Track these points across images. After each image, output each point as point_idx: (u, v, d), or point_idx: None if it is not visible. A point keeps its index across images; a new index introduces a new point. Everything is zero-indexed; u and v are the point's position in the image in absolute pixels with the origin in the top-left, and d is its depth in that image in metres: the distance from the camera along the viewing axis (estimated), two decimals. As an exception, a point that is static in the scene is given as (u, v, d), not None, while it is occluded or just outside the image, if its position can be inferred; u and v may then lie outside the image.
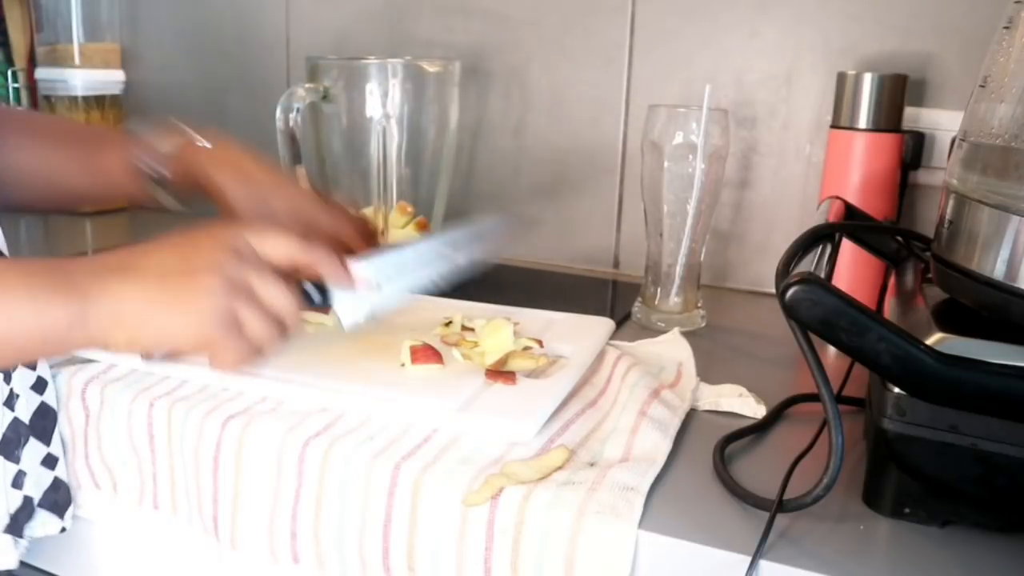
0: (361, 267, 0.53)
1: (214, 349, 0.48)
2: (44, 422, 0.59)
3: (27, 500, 0.57)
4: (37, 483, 0.58)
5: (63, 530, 0.60)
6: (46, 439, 0.59)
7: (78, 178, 0.70)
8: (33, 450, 0.58)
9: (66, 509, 0.60)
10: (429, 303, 0.78)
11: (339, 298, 0.53)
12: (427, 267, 0.58)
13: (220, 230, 0.49)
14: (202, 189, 0.68)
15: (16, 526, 0.57)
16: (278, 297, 0.48)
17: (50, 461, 0.59)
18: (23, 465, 0.57)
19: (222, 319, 0.46)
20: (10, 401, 0.56)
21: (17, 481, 0.57)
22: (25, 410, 0.57)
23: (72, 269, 0.47)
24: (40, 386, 0.59)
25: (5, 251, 0.58)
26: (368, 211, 0.90)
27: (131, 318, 0.46)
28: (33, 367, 0.58)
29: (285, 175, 0.71)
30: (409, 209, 0.93)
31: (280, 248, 0.50)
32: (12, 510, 0.56)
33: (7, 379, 0.56)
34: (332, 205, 0.70)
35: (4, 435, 0.56)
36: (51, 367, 0.61)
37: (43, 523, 0.59)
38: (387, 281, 0.55)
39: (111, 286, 0.46)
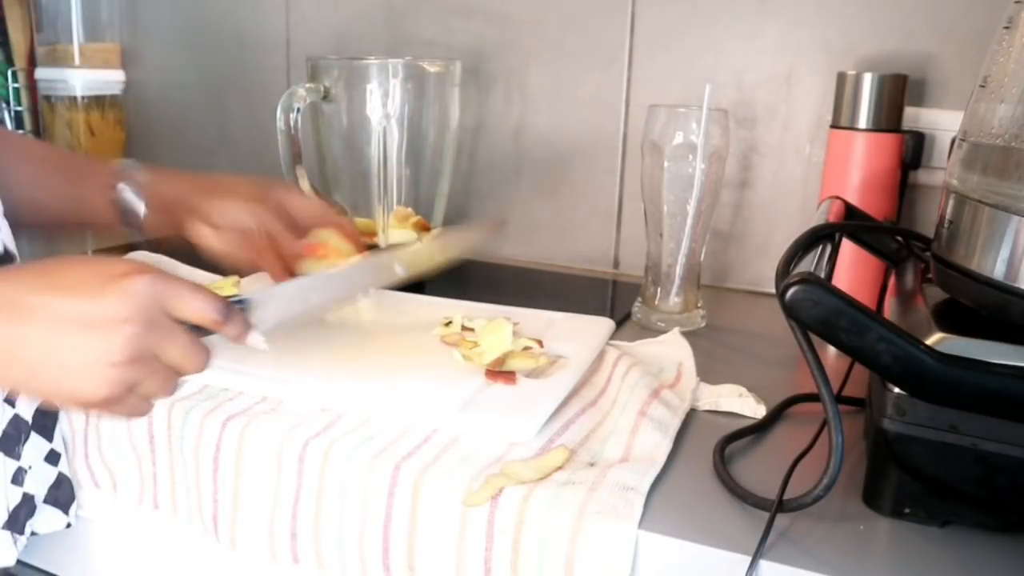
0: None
1: (103, 409, 0.44)
2: (46, 419, 0.59)
3: (28, 497, 0.57)
4: (40, 480, 0.58)
5: (68, 526, 0.60)
6: (48, 435, 0.59)
7: (62, 203, 0.71)
8: (35, 446, 0.58)
9: (70, 505, 0.60)
10: (429, 303, 0.78)
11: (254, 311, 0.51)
12: (362, 279, 0.61)
13: (127, 280, 0.43)
14: (177, 224, 0.68)
15: (16, 522, 0.57)
16: (181, 358, 0.45)
17: (53, 457, 0.59)
18: (24, 461, 0.57)
19: (119, 385, 0.43)
20: (11, 397, 0.56)
21: (17, 478, 0.57)
22: (27, 406, 0.57)
23: None
24: None
25: (13, 249, 0.58)
26: (367, 221, 0.90)
27: (22, 363, 0.42)
28: None
29: (270, 188, 0.70)
30: (409, 211, 0.93)
31: (191, 308, 0.45)
32: (11, 506, 0.56)
33: None
34: (320, 211, 0.71)
35: (4, 431, 0.56)
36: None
37: (48, 519, 0.59)
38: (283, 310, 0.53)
39: (3, 326, 0.42)
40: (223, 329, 0.47)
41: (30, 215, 0.68)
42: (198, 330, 0.46)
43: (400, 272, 0.61)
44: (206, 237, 0.67)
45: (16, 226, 0.67)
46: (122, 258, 0.46)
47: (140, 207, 0.69)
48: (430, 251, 0.64)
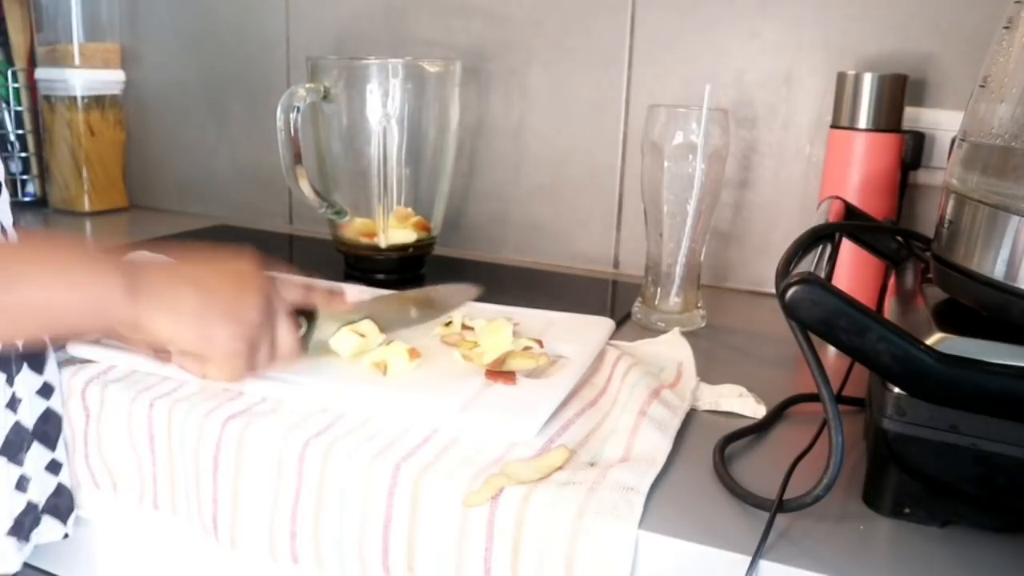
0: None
1: (229, 360, 0.54)
2: (47, 427, 0.59)
3: (31, 505, 0.57)
4: (41, 488, 0.58)
5: (65, 536, 0.60)
6: (50, 444, 0.59)
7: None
8: (37, 455, 0.58)
9: (68, 515, 0.60)
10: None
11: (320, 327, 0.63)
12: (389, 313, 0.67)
13: (256, 273, 0.56)
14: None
15: (21, 529, 0.57)
16: (287, 338, 0.57)
17: (54, 467, 0.59)
18: (26, 469, 0.57)
19: (247, 340, 0.54)
20: (12, 404, 0.56)
21: (21, 484, 0.57)
22: (28, 415, 0.57)
23: (123, 260, 0.53)
24: (46, 391, 0.59)
25: (9, 227, 0.58)
26: (367, 221, 0.90)
27: (178, 310, 0.52)
28: (40, 371, 0.58)
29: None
30: (409, 211, 0.93)
31: (292, 295, 0.60)
32: (16, 513, 0.56)
33: (10, 382, 0.56)
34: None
35: (6, 438, 0.55)
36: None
37: (48, 528, 0.59)
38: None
39: (165, 280, 0.53)
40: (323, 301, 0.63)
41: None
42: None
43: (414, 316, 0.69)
44: None
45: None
46: (244, 257, 0.57)
47: None
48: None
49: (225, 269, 0.56)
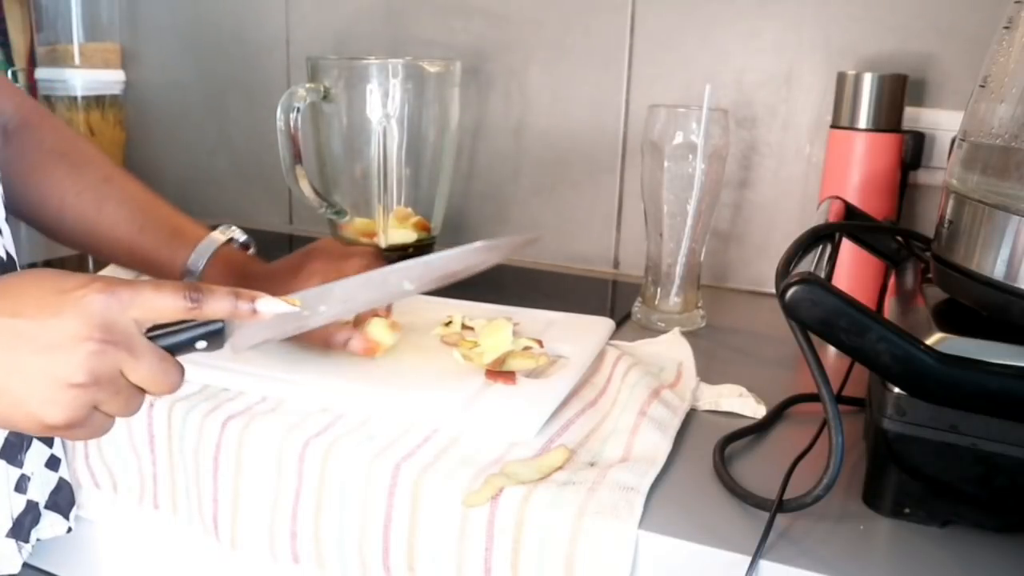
0: (271, 302, 0.45)
1: (66, 433, 0.42)
2: None
3: (31, 504, 0.57)
4: (41, 486, 0.58)
5: (69, 530, 0.60)
6: (48, 441, 0.59)
7: (136, 253, 0.67)
8: (36, 453, 0.58)
9: (70, 509, 0.60)
10: (429, 303, 0.78)
11: (236, 330, 0.47)
12: (363, 294, 0.52)
13: (83, 294, 0.40)
14: None
15: (20, 530, 0.56)
16: (148, 376, 0.42)
17: (53, 463, 0.59)
18: (26, 469, 0.57)
19: (81, 407, 0.41)
20: None
21: (20, 485, 0.56)
22: None
23: None
24: None
25: (14, 253, 0.58)
26: (367, 221, 0.90)
27: None
28: None
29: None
30: (409, 211, 0.93)
31: (159, 308, 0.42)
32: (15, 514, 0.56)
33: None
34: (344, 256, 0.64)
35: (7, 439, 0.55)
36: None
37: (50, 524, 0.59)
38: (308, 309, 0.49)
39: None
40: (205, 311, 0.42)
41: (96, 245, 0.67)
42: (189, 345, 0.44)
43: (408, 287, 0.53)
44: None
45: (72, 245, 0.67)
46: (78, 274, 0.42)
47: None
48: (444, 263, 0.53)
49: (32, 295, 0.40)
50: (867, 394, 0.56)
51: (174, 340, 0.43)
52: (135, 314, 0.41)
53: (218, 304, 0.43)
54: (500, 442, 0.53)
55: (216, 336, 0.45)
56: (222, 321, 0.44)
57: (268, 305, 0.44)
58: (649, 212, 0.80)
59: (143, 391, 0.43)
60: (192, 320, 0.43)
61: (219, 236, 0.66)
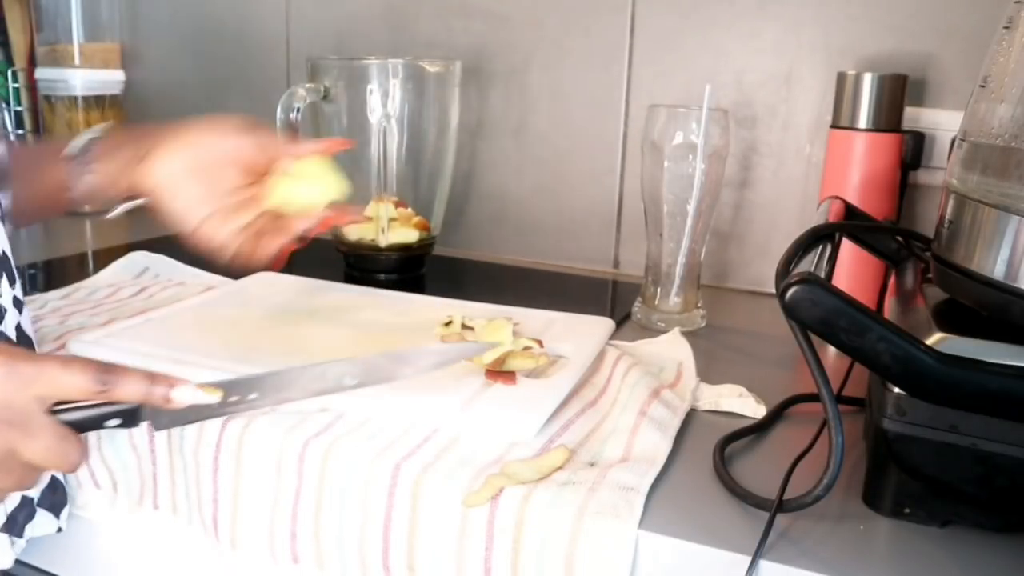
0: (187, 391, 0.43)
1: None
2: None
3: (26, 500, 0.57)
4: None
5: (59, 530, 0.60)
6: None
7: (32, 201, 0.65)
8: None
9: (62, 509, 0.60)
10: (429, 303, 0.78)
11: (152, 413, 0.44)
12: (299, 385, 0.48)
13: None
14: (139, 174, 0.59)
15: (14, 526, 0.57)
16: (44, 457, 0.41)
17: None
18: None
19: None
20: None
21: None
22: None
23: None
24: None
25: (9, 253, 0.58)
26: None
27: None
28: None
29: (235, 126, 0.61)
30: (409, 212, 0.93)
31: (65, 387, 0.40)
32: (9, 509, 0.56)
33: None
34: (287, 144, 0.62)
35: None
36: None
37: (41, 523, 0.59)
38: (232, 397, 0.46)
39: None
40: (115, 394, 0.41)
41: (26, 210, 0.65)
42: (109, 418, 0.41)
43: (349, 383, 0.48)
44: (161, 190, 0.56)
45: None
46: None
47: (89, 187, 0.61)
48: (390, 363, 0.49)
49: None
50: (867, 394, 0.56)
51: (82, 416, 0.41)
52: (37, 391, 0.40)
53: (130, 388, 0.41)
54: (500, 442, 0.53)
55: (131, 415, 0.42)
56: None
57: (184, 394, 0.42)
58: (649, 212, 0.80)
59: (39, 469, 0.41)
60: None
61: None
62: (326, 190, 0.61)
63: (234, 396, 0.45)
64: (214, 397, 0.43)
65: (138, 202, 0.61)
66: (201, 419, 0.45)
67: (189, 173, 0.57)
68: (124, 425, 0.42)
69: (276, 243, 0.60)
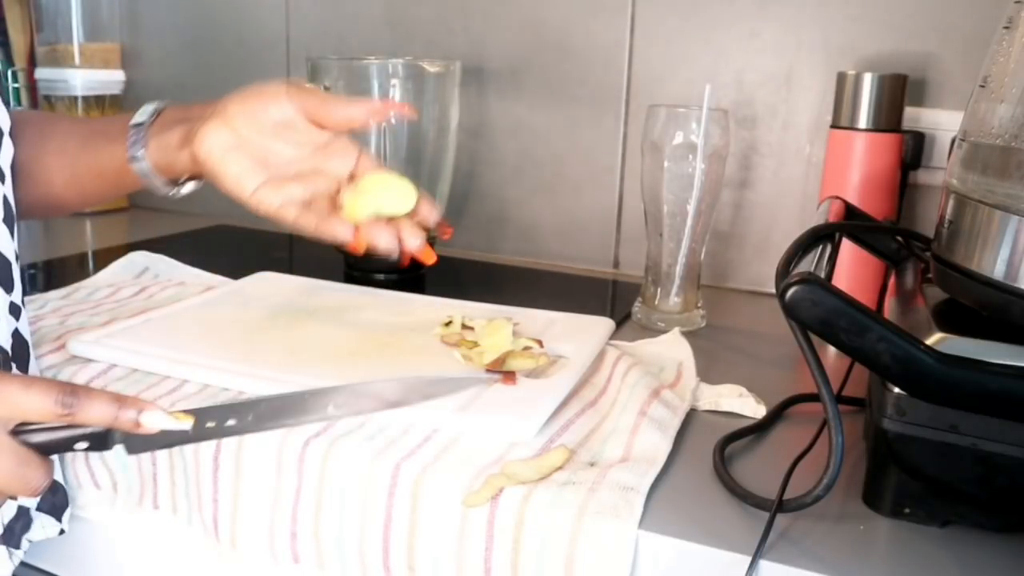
0: (157, 416, 0.42)
1: None
2: None
3: (22, 510, 0.57)
4: None
5: (61, 532, 0.60)
6: None
7: (87, 178, 0.64)
8: None
9: (63, 511, 0.60)
10: (429, 303, 0.78)
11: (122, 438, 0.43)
12: (281, 414, 0.45)
13: None
14: (190, 154, 0.58)
15: (11, 536, 0.56)
16: (3, 480, 0.39)
17: None
18: None
19: None
20: None
21: None
22: None
23: None
24: None
25: (12, 258, 0.58)
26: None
27: None
28: (26, 370, 0.58)
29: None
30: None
31: (25, 408, 0.39)
32: (6, 520, 0.56)
33: None
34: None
35: None
36: (52, 368, 0.62)
37: (42, 527, 0.59)
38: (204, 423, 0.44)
39: None
40: (80, 417, 0.39)
41: (53, 200, 0.64)
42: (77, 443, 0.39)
43: (333, 412, 0.45)
44: (209, 167, 0.55)
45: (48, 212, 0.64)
46: None
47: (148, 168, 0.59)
48: (376, 391, 0.46)
49: None
50: (867, 394, 0.56)
51: (49, 438, 0.40)
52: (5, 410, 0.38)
53: (96, 411, 0.39)
54: (500, 442, 0.53)
55: (100, 438, 0.41)
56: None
57: (154, 419, 0.41)
58: (649, 212, 0.80)
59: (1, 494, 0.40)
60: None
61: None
62: (401, 201, 0.60)
63: (210, 422, 0.43)
64: (185, 424, 0.41)
65: (199, 182, 0.61)
66: (177, 444, 0.44)
67: (232, 148, 0.56)
68: (93, 448, 0.41)
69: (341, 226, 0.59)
